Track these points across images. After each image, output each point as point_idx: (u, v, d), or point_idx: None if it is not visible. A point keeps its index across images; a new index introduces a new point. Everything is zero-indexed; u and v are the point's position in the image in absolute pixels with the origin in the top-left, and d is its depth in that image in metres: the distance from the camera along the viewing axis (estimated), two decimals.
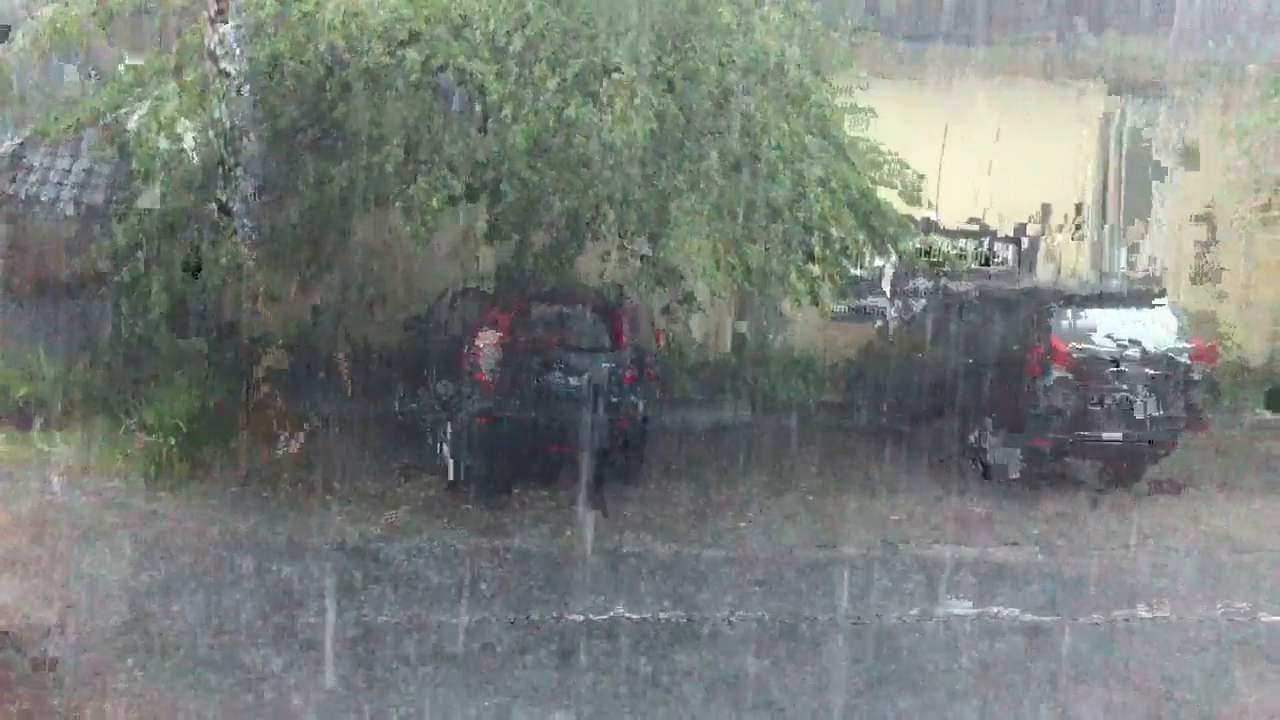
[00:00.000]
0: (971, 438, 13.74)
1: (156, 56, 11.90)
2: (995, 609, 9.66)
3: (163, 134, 11.35)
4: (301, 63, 10.70)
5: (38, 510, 10.74)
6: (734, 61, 11.26)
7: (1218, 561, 11.17)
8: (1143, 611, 9.73)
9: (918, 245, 13.36)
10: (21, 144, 13.52)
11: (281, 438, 12.46)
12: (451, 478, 12.32)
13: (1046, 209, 18.26)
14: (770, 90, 12.00)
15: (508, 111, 10.57)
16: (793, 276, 11.73)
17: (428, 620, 8.83)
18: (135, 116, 11.56)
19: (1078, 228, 18.61)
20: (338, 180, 11.50)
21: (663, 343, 13.27)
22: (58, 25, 11.47)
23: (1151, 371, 13.06)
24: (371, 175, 11.64)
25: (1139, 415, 13.00)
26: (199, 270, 11.97)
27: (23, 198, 13.42)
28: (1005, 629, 9.26)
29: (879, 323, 16.92)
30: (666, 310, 14.16)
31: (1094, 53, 18.13)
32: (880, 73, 14.21)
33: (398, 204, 11.27)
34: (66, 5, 11.68)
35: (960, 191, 16.96)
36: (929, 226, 16.77)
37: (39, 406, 12.75)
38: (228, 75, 10.79)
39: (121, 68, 12.68)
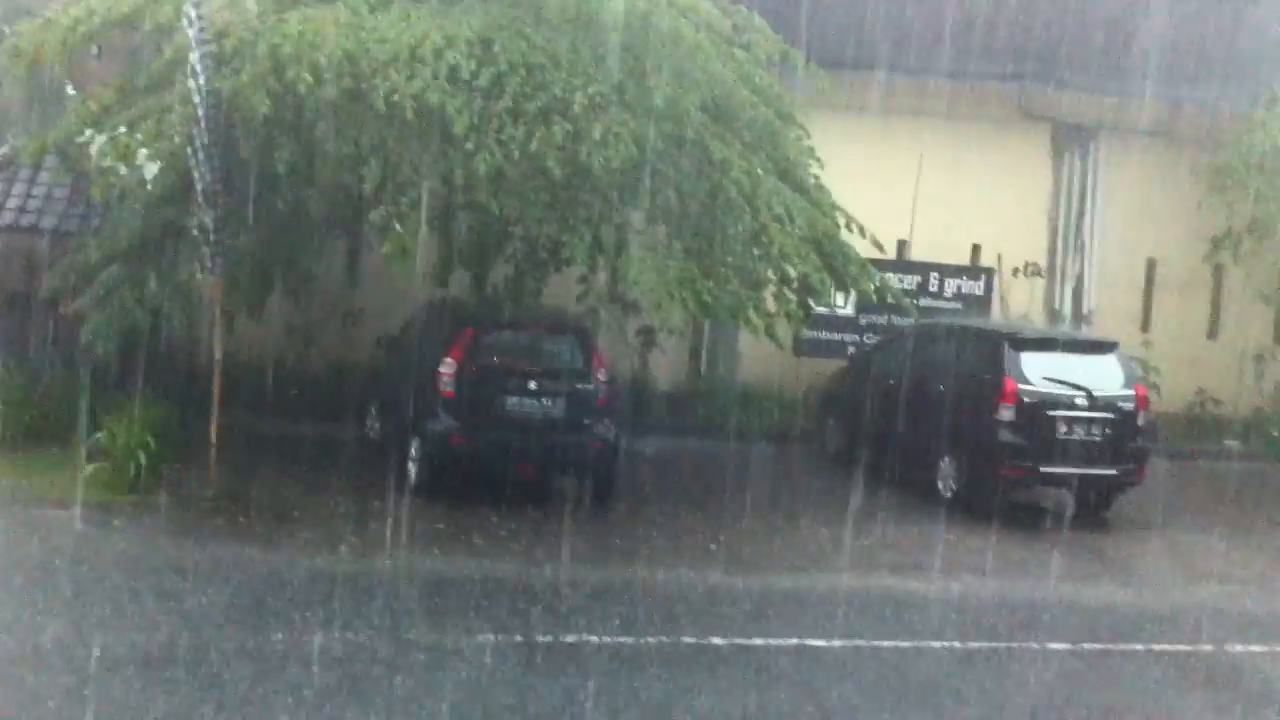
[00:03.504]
0: (931, 468, 14.08)
1: (120, 84, 11.97)
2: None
3: (122, 161, 11.50)
4: (266, 93, 10.77)
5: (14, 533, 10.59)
6: (700, 98, 11.50)
7: None
8: None
9: (876, 284, 13.51)
10: None
11: (247, 458, 12.47)
12: (418, 497, 12.32)
13: (976, 249, 18.59)
14: (733, 129, 12.29)
15: (471, 143, 10.74)
16: (748, 311, 11.93)
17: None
18: (96, 144, 11.66)
19: (1027, 270, 18.92)
20: (309, 204, 11.56)
21: (605, 372, 13.34)
22: (25, 49, 11.54)
23: (1100, 414, 13.54)
24: (339, 201, 11.79)
25: (1092, 453, 13.51)
26: (161, 294, 12.04)
27: None
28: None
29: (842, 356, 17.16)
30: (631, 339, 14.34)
31: (1043, 97, 18.58)
32: (827, 105, 14.53)
33: (369, 228, 11.39)
34: (40, 29, 11.73)
35: (905, 227, 17.33)
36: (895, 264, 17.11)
37: (3, 424, 12.66)
38: (193, 103, 10.86)
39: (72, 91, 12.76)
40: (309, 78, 10.35)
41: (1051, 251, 19.30)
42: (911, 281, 17.51)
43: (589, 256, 11.73)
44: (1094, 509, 14.02)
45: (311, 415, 14.34)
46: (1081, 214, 19.31)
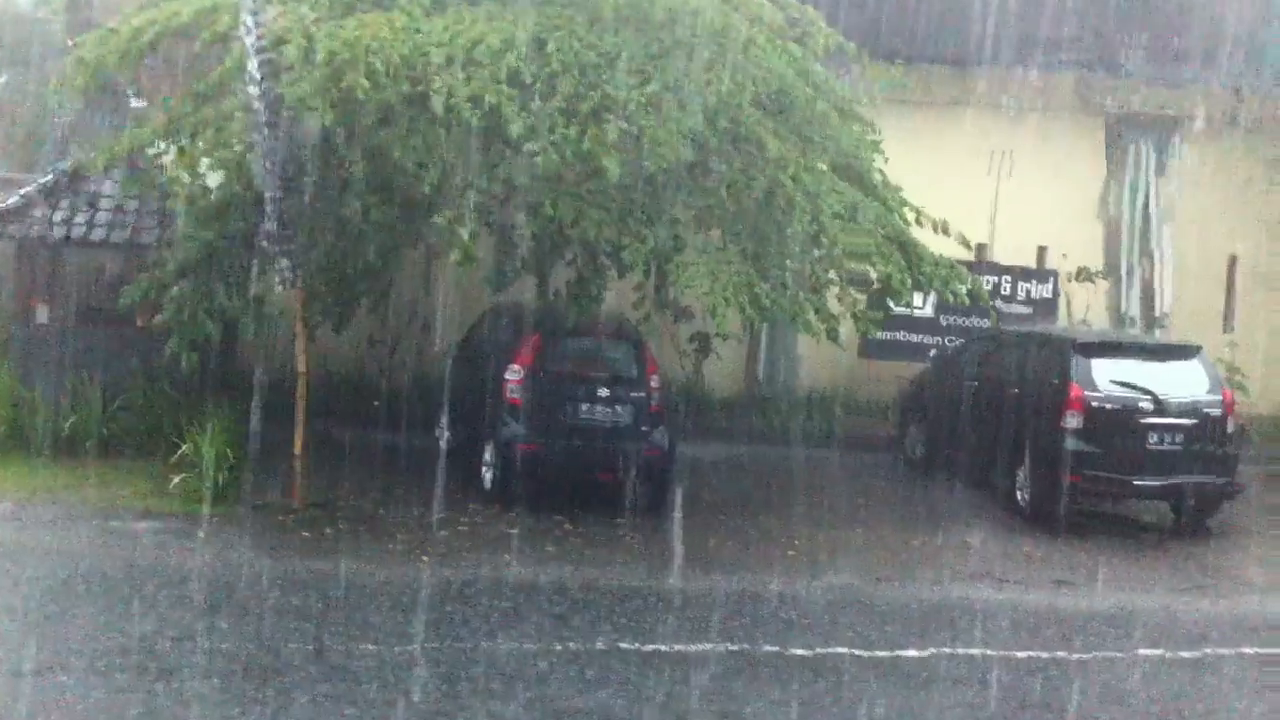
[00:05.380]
0: (1009, 475, 13.72)
1: (188, 94, 12.21)
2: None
3: (186, 171, 11.76)
4: (328, 102, 10.89)
5: (94, 545, 10.68)
6: (754, 93, 11.42)
7: None
8: None
9: (969, 286, 13.18)
10: (57, 179, 13.84)
11: (327, 469, 12.63)
12: (492, 503, 12.50)
13: (1042, 250, 17.97)
14: (790, 125, 12.16)
15: (529, 144, 10.77)
16: (809, 314, 11.77)
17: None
18: (169, 154, 11.88)
19: (1090, 272, 18.30)
20: (373, 211, 11.66)
21: (658, 379, 13.27)
22: (88, 60, 11.82)
23: (1184, 420, 13.11)
24: (404, 207, 11.89)
25: (1172, 461, 13.06)
26: (234, 305, 12.19)
27: (57, 232, 13.58)
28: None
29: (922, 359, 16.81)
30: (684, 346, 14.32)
31: (1105, 88, 18.11)
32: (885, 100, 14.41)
33: (431, 235, 11.50)
34: (101, 40, 12.02)
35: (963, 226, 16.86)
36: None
37: (83, 437, 12.96)
38: (254, 110, 11.02)
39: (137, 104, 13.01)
40: (366, 83, 10.45)
41: (1115, 252, 18.73)
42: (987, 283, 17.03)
43: (645, 261, 11.73)
44: (1189, 519, 13.50)
45: (388, 425, 14.46)
46: (1148, 211, 18.71)
